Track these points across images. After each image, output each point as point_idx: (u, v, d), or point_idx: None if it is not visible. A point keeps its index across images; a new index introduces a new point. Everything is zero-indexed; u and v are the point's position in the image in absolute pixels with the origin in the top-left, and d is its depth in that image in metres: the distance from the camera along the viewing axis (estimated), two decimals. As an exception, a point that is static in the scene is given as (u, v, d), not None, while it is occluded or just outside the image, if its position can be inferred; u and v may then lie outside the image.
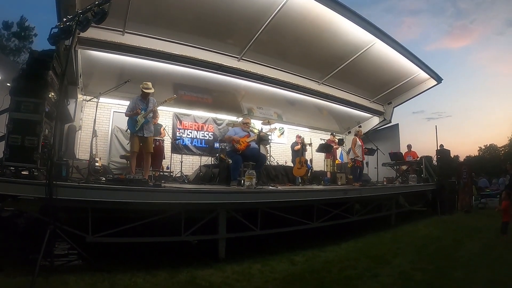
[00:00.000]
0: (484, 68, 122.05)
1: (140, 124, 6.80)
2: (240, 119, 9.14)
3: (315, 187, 9.02)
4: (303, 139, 11.65)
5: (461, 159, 52.46)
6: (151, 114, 7.01)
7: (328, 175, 11.73)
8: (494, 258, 6.01)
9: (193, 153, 12.25)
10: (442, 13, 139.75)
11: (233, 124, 9.54)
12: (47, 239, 4.13)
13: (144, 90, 6.95)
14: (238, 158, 7.38)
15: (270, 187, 7.35)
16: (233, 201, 5.80)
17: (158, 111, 7.45)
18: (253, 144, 7.71)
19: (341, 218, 7.97)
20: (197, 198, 5.48)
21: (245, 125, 7.92)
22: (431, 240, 7.66)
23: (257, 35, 9.15)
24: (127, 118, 6.98)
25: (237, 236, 5.98)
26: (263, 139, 8.24)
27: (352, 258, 6.08)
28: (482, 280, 4.77)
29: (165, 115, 11.79)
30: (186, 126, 12.44)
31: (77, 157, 8.88)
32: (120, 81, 8.00)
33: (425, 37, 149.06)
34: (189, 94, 11.97)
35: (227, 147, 9.15)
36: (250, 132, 7.83)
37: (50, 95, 5.34)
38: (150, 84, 7.01)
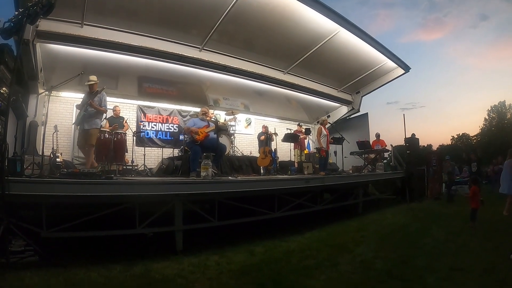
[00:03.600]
0: (456, 61, 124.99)
1: (79, 118, 6.72)
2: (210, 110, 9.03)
3: (279, 176, 9.00)
4: (267, 128, 11.67)
5: (434, 148, 54.33)
6: (90, 108, 6.96)
7: (295, 165, 11.78)
8: (459, 245, 6.04)
9: (158, 146, 12.08)
10: (416, 6, 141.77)
11: (196, 115, 9.40)
12: (0, 236, 4.09)
13: (86, 83, 6.97)
14: (197, 149, 7.28)
15: (229, 178, 7.27)
16: (188, 192, 5.71)
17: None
18: (212, 134, 7.63)
19: (304, 208, 7.99)
20: (151, 189, 5.42)
21: (204, 115, 7.84)
22: (397, 228, 7.74)
23: (217, 24, 9.00)
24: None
25: (193, 227, 5.94)
26: (221, 129, 8.17)
27: (314, 248, 6.09)
28: (444, 268, 4.76)
29: (129, 108, 11.60)
30: (150, 119, 12.24)
31: (39, 153, 8.65)
32: (83, 75, 7.76)
33: (400, 29, 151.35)
34: (154, 86, 11.81)
35: (187, 139, 9.05)
36: (210, 122, 7.74)
37: (1, 91, 5.17)
38: (91, 77, 7.02)
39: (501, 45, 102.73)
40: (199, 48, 9.89)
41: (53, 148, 8.52)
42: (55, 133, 8.35)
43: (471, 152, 14.68)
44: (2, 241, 4.16)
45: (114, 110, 9.68)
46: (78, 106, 6.87)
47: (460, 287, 4.03)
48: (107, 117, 9.27)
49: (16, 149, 5.38)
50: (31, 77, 8.65)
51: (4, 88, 5.32)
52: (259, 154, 10.42)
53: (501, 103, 54.62)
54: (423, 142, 53.30)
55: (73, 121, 7.23)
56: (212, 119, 7.78)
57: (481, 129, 56.57)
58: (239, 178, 7.45)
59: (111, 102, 10.82)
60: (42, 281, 4.10)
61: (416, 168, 13.04)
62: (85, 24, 8.21)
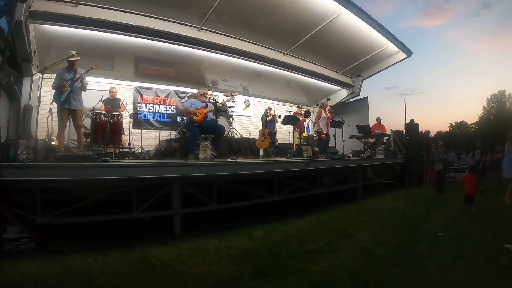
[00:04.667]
0: (456, 47, 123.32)
1: (65, 95, 6.47)
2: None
3: (278, 159, 8.88)
4: (270, 110, 11.53)
5: (432, 134, 54.38)
6: (78, 84, 6.71)
7: (294, 147, 11.66)
8: (459, 232, 5.96)
9: (155, 128, 11.95)
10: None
11: (194, 96, 9.23)
12: None
13: (69, 59, 6.62)
14: (196, 131, 7.13)
15: (228, 160, 7.14)
16: (186, 174, 5.59)
17: (87, 81, 7.06)
18: (210, 116, 7.46)
19: (304, 191, 7.91)
20: (148, 172, 5.27)
21: (203, 96, 7.67)
22: (397, 214, 7.66)
23: (216, 3, 8.75)
24: (53, 91, 6.69)
25: (192, 211, 5.85)
26: (220, 110, 8.00)
27: (314, 232, 6.05)
28: (445, 255, 4.70)
29: (126, 90, 11.39)
30: (147, 101, 12.04)
31: (34, 137, 8.52)
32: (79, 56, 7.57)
33: (400, 14, 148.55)
34: (151, 67, 11.60)
35: (185, 120, 8.90)
36: (208, 103, 7.58)
37: None
38: (74, 52, 6.66)
39: (502, 33, 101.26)
40: (197, 27, 9.64)
41: (48, 132, 8.39)
42: (49, 116, 8.20)
43: (480, 138, 14.46)
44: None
45: (110, 92, 9.40)
46: (55, 85, 6.58)
47: (461, 276, 3.94)
48: (103, 99, 9.16)
49: (9, 134, 5.22)
50: (25, 59, 8.50)
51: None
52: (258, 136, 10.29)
53: (501, 92, 54.33)
54: (421, 128, 52.98)
55: (52, 100, 6.93)
56: (211, 100, 7.59)
57: (479, 117, 56.44)
58: (238, 160, 7.31)
59: (108, 83, 10.73)
60: (38, 268, 4.03)
61: (415, 153, 12.91)
62: (79, 3, 7.97)
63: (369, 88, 76.36)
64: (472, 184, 7.57)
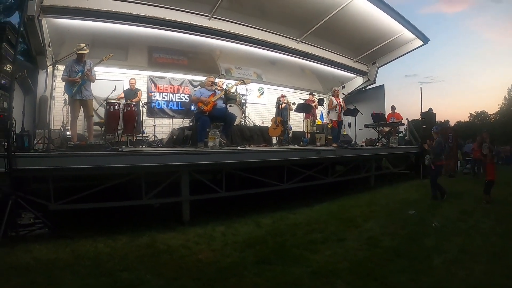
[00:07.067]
0: (477, 34, 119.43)
1: (76, 87, 6.60)
2: (217, 79, 8.88)
3: (290, 147, 8.89)
4: (283, 97, 11.51)
5: (452, 124, 53.10)
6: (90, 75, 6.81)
7: (307, 135, 11.62)
8: (470, 225, 5.89)
9: (169, 116, 12.06)
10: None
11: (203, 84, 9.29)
12: (9, 210, 4.26)
13: (78, 52, 6.66)
14: (206, 119, 7.18)
15: (238, 148, 7.18)
16: (194, 162, 5.68)
17: (96, 73, 7.10)
18: (220, 104, 7.49)
19: (315, 180, 7.91)
20: (157, 160, 5.40)
21: (211, 84, 7.69)
22: (408, 204, 7.58)
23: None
24: (64, 83, 6.80)
25: (200, 198, 5.95)
26: (230, 98, 8.00)
27: (321, 221, 6.06)
28: (452, 249, 4.64)
29: (139, 79, 11.45)
30: (161, 89, 12.14)
31: (51, 127, 8.76)
32: (92, 48, 7.65)
33: (421, 0, 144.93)
34: (164, 56, 11.60)
35: (195, 109, 8.97)
36: (216, 91, 7.61)
37: (6, 68, 5.20)
38: (83, 45, 6.67)
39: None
40: (208, 16, 9.59)
41: (63, 122, 8.58)
42: (64, 106, 8.37)
43: (484, 130, 14.04)
44: (11, 215, 4.30)
45: (130, 83, 9.74)
46: (66, 77, 6.71)
47: (467, 271, 3.88)
48: (124, 89, 9.53)
49: (24, 125, 5.40)
50: (39, 52, 8.68)
51: (8, 66, 5.29)
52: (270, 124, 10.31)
53: None
54: (440, 118, 51.36)
55: (64, 92, 7.08)
56: (219, 88, 7.62)
57: (500, 107, 54.05)
58: (247, 148, 7.34)
59: (122, 73, 11.03)
60: (49, 252, 4.21)
61: (431, 143, 12.68)
62: (90, -4, 8.05)
63: (388, 75, 74.96)
64: (493, 171, 7.53)
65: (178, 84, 12.51)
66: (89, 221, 5.55)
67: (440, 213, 6.77)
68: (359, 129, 11.46)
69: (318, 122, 13.39)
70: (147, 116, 11.05)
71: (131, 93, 9.45)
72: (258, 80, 14.32)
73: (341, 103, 10.29)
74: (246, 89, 11.38)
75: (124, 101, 8.93)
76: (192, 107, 11.66)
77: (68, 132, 7.88)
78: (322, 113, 14.48)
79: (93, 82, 6.89)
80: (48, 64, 9.37)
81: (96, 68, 7.07)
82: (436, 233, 5.40)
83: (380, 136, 12.88)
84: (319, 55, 12.83)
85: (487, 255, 4.41)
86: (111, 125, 8.23)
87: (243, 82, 8.45)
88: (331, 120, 10.15)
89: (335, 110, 10.04)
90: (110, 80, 10.00)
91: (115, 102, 8.44)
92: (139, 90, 9.83)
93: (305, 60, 12.74)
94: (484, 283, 3.63)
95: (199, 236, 5.04)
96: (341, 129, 10.80)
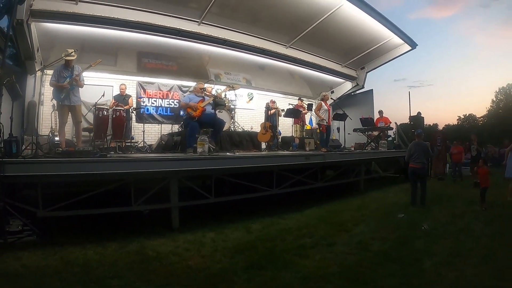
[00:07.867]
0: (465, 39, 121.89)
1: (65, 93, 6.56)
2: (206, 85, 8.89)
3: (279, 152, 8.91)
4: (272, 103, 11.52)
5: (440, 127, 53.83)
6: (76, 83, 6.76)
7: (297, 140, 11.66)
8: (459, 228, 5.95)
9: (158, 122, 11.99)
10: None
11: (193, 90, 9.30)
12: None
13: (66, 58, 6.63)
14: (194, 125, 7.19)
15: (226, 154, 7.19)
16: (183, 168, 5.68)
17: (84, 78, 7.08)
18: (209, 109, 7.50)
19: (305, 185, 7.95)
20: (145, 166, 5.39)
21: (200, 90, 7.71)
22: (398, 208, 7.61)
23: (215, -3, 8.73)
24: (53, 88, 6.77)
25: (189, 204, 5.93)
26: (219, 104, 8.00)
27: (311, 226, 6.07)
28: (442, 252, 4.67)
29: (129, 84, 11.36)
30: (150, 95, 12.08)
31: (39, 133, 8.67)
32: (81, 52, 7.62)
33: (409, 5, 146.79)
34: (153, 61, 11.60)
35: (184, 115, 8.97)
36: (205, 97, 7.62)
37: None
38: (71, 51, 6.66)
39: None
40: (197, 22, 9.62)
41: (51, 127, 8.51)
42: (53, 112, 8.30)
43: (472, 133, 14.19)
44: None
45: (120, 88, 9.73)
46: (54, 82, 6.67)
47: (457, 273, 3.90)
48: (113, 95, 9.53)
49: (12, 130, 5.33)
50: (28, 57, 8.59)
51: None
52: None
53: (510, 85, 52.57)
54: (429, 121, 52.26)
55: (53, 97, 7.03)
56: (208, 94, 7.64)
57: (488, 110, 55.38)
58: (237, 154, 7.36)
59: (111, 79, 10.98)
60: (39, 259, 4.18)
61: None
62: (79, 1, 8.01)
63: (377, 80, 75.64)
64: (487, 177, 7.63)
65: (167, 90, 12.46)
66: (78, 227, 5.51)
67: (430, 216, 6.83)
68: (348, 134, 11.55)
69: (307, 127, 13.46)
70: (136, 122, 10.97)
71: (121, 98, 9.42)
72: (247, 86, 14.34)
73: (329, 108, 10.35)
74: (235, 95, 11.37)
75: (115, 107, 8.87)
76: (182, 112, 11.65)
77: (56, 138, 7.82)
78: (311, 118, 14.55)
79: (82, 87, 6.85)
80: (36, 69, 9.30)
81: (84, 73, 7.07)
82: (426, 236, 5.43)
83: (369, 140, 12.99)
84: (308, 60, 12.95)
85: (478, 257, 4.45)
86: (100, 130, 8.20)
87: (232, 88, 8.48)
88: (319, 124, 10.17)
89: (325, 114, 10.04)
90: (99, 86, 9.90)
91: (104, 108, 8.39)
92: (130, 96, 9.85)
93: (294, 65, 12.84)
94: (475, 285, 3.66)
95: (189, 243, 5.02)
96: (330, 133, 10.84)
